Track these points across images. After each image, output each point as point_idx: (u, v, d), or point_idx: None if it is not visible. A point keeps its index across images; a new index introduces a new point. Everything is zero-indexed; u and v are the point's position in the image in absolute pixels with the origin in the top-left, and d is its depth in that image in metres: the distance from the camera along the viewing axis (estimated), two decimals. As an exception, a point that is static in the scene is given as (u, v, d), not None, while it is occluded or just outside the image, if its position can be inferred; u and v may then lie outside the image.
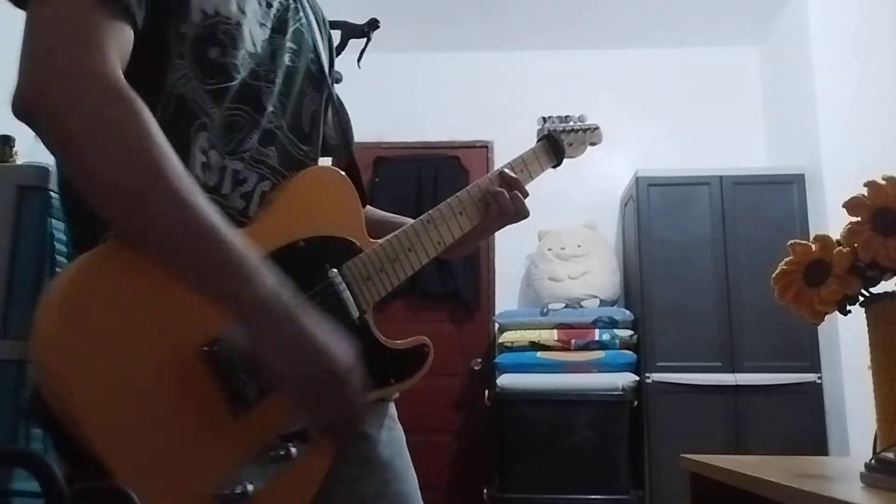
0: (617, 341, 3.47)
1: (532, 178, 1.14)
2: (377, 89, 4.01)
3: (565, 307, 3.65)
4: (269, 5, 0.92)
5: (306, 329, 0.72)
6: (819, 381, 3.32)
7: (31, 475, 0.72)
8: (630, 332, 3.52)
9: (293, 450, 0.78)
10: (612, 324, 3.51)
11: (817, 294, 1.07)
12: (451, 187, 4.02)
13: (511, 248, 3.99)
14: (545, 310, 3.62)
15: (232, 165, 0.85)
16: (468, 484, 3.71)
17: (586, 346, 3.46)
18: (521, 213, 1.08)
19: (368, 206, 1.06)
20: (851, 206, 1.03)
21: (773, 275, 1.13)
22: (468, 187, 1.06)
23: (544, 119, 1.22)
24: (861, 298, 1.06)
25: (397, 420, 1.02)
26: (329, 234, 0.90)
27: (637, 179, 3.66)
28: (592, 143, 1.27)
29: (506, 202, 1.06)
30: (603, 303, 3.70)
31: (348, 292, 0.88)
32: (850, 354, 3.10)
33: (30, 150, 2.12)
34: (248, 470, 0.75)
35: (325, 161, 1.05)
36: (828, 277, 1.05)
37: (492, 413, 3.59)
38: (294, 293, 0.74)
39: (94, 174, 0.68)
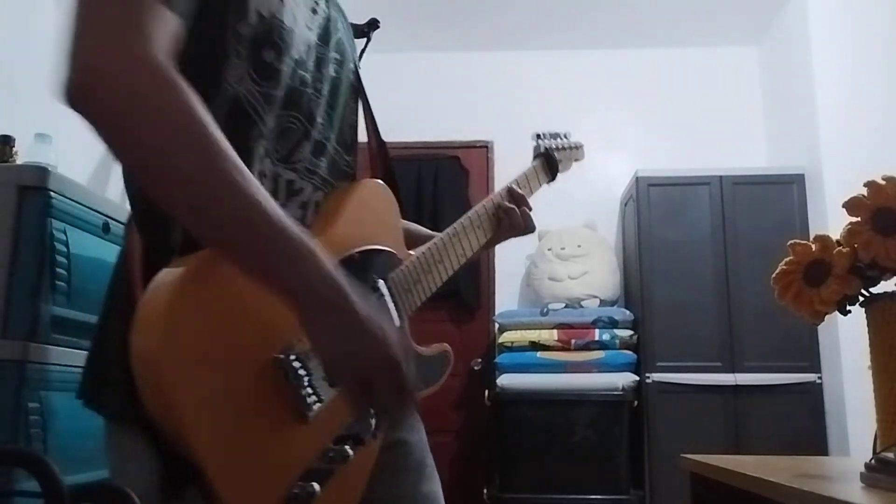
0: (617, 341, 3.47)
1: (532, 194, 1.25)
2: (377, 89, 3.96)
3: (565, 307, 3.64)
4: (315, 11, 0.93)
5: (364, 313, 0.73)
6: (819, 381, 3.32)
7: (31, 475, 0.73)
8: (630, 332, 3.51)
9: (350, 451, 0.82)
10: (612, 324, 3.51)
11: (817, 294, 1.07)
12: (451, 187, 4.10)
13: (511, 248, 3.92)
14: (545, 310, 3.62)
15: (286, 175, 0.87)
16: (468, 484, 3.70)
17: (586, 346, 3.46)
18: (529, 228, 1.18)
19: None
20: (851, 206, 1.03)
21: (773, 275, 1.14)
22: (483, 202, 1.15)
23: (539, 136, 1.32)
24: (861, 298, 1.06)
25: (421, 422, 1.08)
26: (378, 246, 0.94)
27: (637, 179, 3.65)
28: (576, 160, 1.39)
29: (517, 217, 1.16)
30: (603, 303, 3.70)
31: (392, 303, 0.93)
32: (850, 354, 3.10)
33: (30, 150, 2.12)
34: (313, 471, 0.79)
35: None
36: (828, 277, 1.06)
37: (492, 413, 3.59)
38: (358, 285, 0.75)
39: (149, 159, 0.67)
